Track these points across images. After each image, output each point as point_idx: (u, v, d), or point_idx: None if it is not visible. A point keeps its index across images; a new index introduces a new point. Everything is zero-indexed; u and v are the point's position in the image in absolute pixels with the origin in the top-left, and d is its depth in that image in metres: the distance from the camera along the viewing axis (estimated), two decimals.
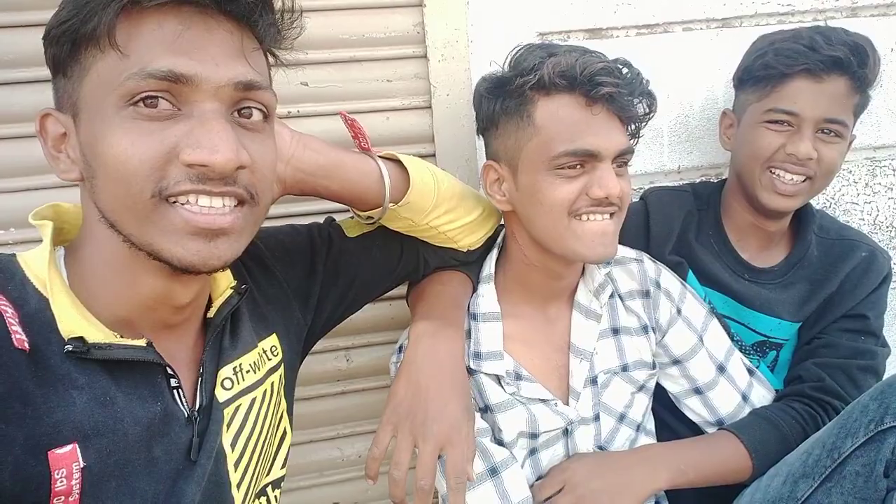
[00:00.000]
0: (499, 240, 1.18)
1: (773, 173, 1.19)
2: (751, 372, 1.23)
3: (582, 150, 0.99)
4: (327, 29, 1.29)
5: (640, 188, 1.49)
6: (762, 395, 1.22)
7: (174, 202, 0.67)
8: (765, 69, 1.19)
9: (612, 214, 1.04)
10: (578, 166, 1.01)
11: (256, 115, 0.73)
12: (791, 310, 1.27)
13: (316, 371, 1.41)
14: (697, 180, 1.51)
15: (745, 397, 1.20)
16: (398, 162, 1.01)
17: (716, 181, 1.47)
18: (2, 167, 1.25)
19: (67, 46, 0.67)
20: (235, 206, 0.70)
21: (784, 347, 1.29)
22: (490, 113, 1.07)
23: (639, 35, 1.46)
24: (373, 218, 1.01)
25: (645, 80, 1.04)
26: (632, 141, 1.07)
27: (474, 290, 1.15)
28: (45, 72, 1.15)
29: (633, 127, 1.07)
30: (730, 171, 1.33)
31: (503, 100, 1.05)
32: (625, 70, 1.02)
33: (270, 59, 0.79)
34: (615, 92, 0.98)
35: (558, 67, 0.98)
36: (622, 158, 1.04)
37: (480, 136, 1.16)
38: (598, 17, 1.42)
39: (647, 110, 1.06)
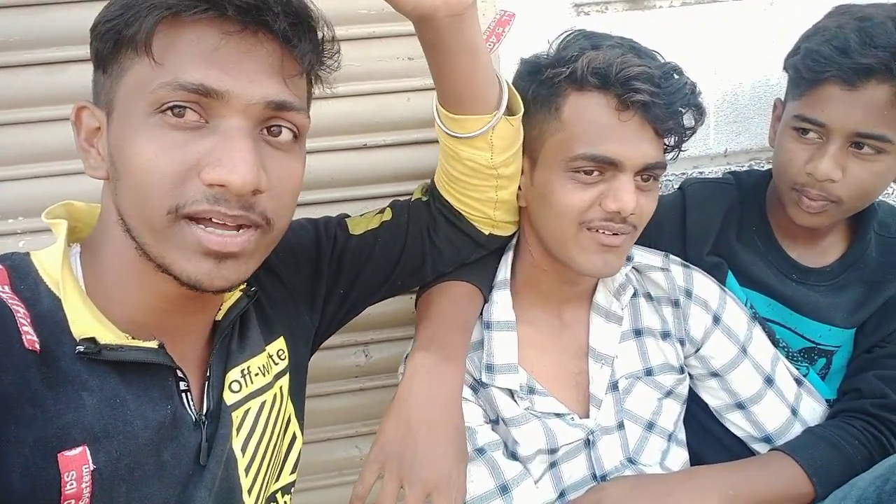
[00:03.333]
0: (514, 241, 1.10)
1: (798, 191, 1.07)
2: (798, 382, 1.13)
3: (602, 157, 0.92)
4: (344, 3, 1.19)
5: (683, 174, 1.38)
6: (812, 408, 1.12)
7: (189, 221, 0.67)
8: (794, 71, 1.06)
9: (625, 232, 0.97)
10: (596, 173, 0.94)
11: (286, 135, 0.72)
12: (843, 315, 1.15)
13: (333, 367, 1.36)
14: (745, 166, 1.40)
15: (794, 411, 1.11)
16: None
17: (764, 169, 1.35)
18: (8, 154, 1.20)
19: (110, 45, 0.67)
20: (248, 227, 0.70)
21: (837, 354, 1.18)
22: (522, 98, 0.98)
23: (684, 5, 1.33)
24: (455, 130, 0.91)
25: (695, 90, 0.96)
26: (670, 155, 0.99)
27: (486, 300, 1.07)
28: (51, 54, 1.16)
29: (673, 139, 0.97)
30: None
31: (536, 86, 0.98)
32: (674, 77, 0.93)
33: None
34: (650, 101, 0.89)
35: (594, 63, 0.90)
36: (650, 172, 0.96)
37: None
38: None
39: (692, 124, 0.98)
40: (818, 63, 1.00)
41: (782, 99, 1.17)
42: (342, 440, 1.40)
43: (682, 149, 1.01)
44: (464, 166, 0.94)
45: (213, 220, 0.67)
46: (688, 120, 0.96)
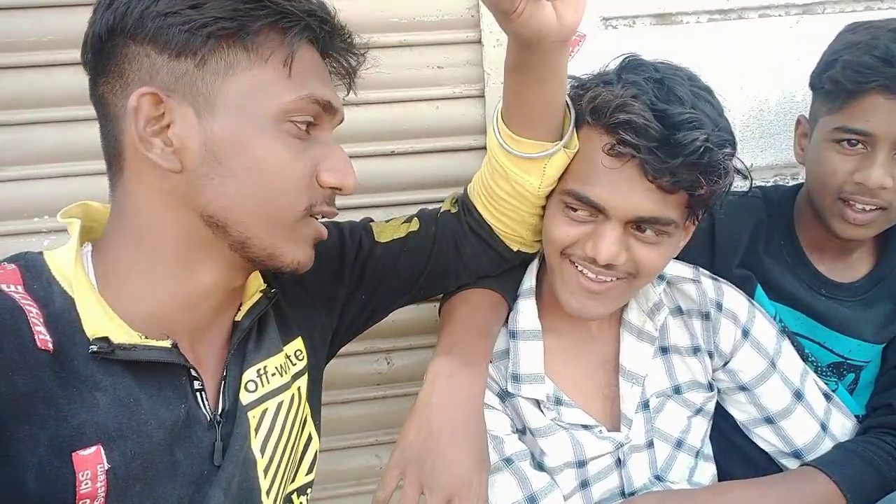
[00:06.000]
0: (540, 251, 1.10)
1: (844, 202, 1.07)
2: (828, 397, 1.12)
3: (586, 198, 0.89)
4: (377, 11, 1.21)
5: None
6: (842, 424, 1.11)
7: (313, 217, 0.77)
8: (833, 84, 1.05)
9: (618, 278, 0.94)
10: (585, 213, 0.91)
11: None
12: (873, 330, 1.15)
13: (355, 374, 1.36)
14: (770, 181, 1.40)
15: (823, 426, 1.09)
16: None
17: (791, 184, 1.35)
18: (36, 153, 1.21)
19: (213, 41, 0.68)
20: None
21: (865, 369, 1.17)
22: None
23: (711, 21, 1.34)
24: (516, 149, 0.89)
25: (714, 148, 0.84)
26: (700, 211, 0.92)
27: (510, 309, 1.07)
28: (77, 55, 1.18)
29: (693, 195, 0.88)
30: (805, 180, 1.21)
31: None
32: (684, 131, 0.83)
33: None
34: (641, 157, 0.83)
35: (594, 101, 0.87)
36: (648, 225, 0.90)
37: None
38: (667, 0, 1.31)
39: (709, 184, 0.86)
40: (862, 74, 1.01)
41: (806, 116, 1.18)
42: (362, 448, 1.39)
43: (706, 205, 0.92)
44: (510, 187, 0.94)
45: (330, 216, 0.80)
46: (706, 179, 0.86)
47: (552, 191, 0.96)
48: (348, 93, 0.83)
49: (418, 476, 0.87)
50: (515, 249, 1.03)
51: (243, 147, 0.69)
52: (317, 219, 0.78)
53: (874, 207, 1.05)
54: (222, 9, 0.67)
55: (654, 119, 0.83)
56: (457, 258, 1.02)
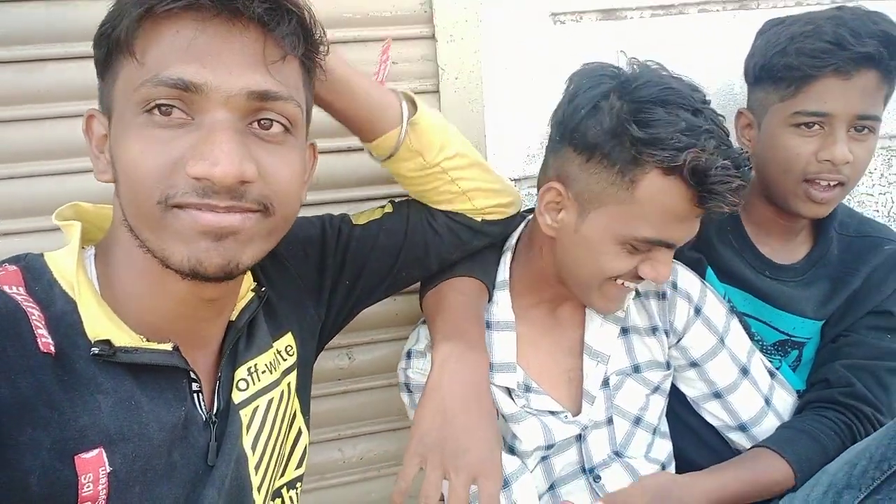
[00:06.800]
0: (512, 242, 1.12)
1: (809, 182, 1.13)
2: (772, 374, 1.19)
3: (664, 242, 0.97)
4: (329, 6, 1.20)
5: None
6: (784, 399, 1.18)
7: (180, 208, 0.65)
8: (787, 70, 1.11)
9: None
10: (643, 249, 0.98)
11: (276, 128, 0.70)
12: (814, 307, 1.22)
13: (316, 369, 1.29)
14: None
15: (767, 401, 1.16)
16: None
17: None
18: None
19: (104, 51, 0.68)
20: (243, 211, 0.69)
21: (807, 346, 1.25)
22: (592, 143, 0.94)
23: (654, 16, 1.39)
24: (381, 154, 0.98)
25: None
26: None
27: (490, 298, 1.09)
28: (23, 51, 1.14)
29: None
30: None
31: (615, 146, 0.92)
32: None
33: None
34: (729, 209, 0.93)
35: (696, 162, 0.88)
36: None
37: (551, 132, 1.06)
38: None
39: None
40: (819, 58, 1.06)
41: (746, 107, 1.23)
42: (325, 443, 1.39)
43: None
44: (411, 176, 0.99)
45: (204, 210, 0.66)
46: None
47: (602, 231, 0.97)
48: (312, 74, 0.77)
49: (440, 460, 0.88)
50: (480, 219, 1.05)
51: (116, 147, 0.68)
52: (201, 210, 0.66)
53: (836, 183, 1.11)
54: (105, 19, 0.68)
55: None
56: (432, 232, 1.04)
